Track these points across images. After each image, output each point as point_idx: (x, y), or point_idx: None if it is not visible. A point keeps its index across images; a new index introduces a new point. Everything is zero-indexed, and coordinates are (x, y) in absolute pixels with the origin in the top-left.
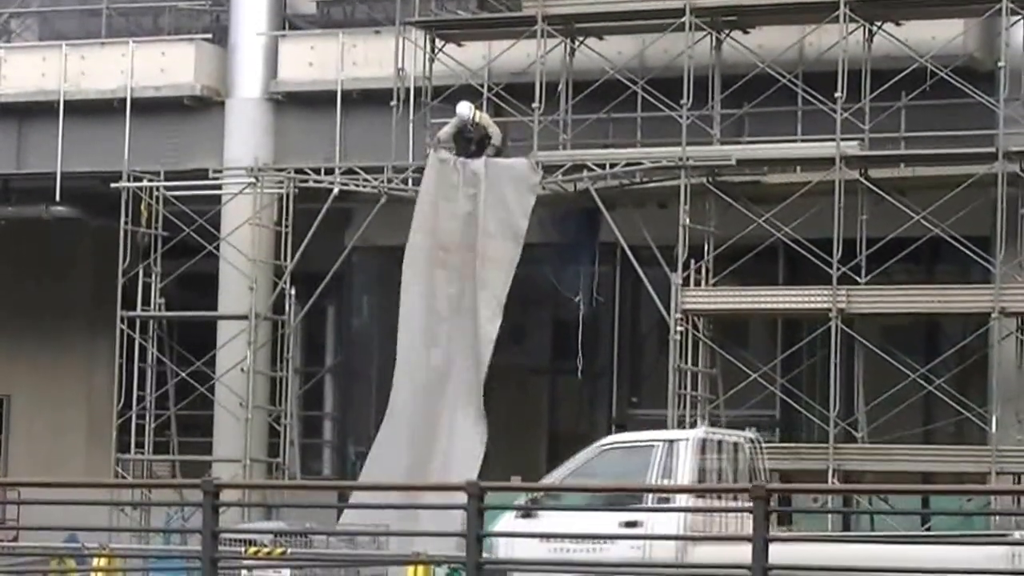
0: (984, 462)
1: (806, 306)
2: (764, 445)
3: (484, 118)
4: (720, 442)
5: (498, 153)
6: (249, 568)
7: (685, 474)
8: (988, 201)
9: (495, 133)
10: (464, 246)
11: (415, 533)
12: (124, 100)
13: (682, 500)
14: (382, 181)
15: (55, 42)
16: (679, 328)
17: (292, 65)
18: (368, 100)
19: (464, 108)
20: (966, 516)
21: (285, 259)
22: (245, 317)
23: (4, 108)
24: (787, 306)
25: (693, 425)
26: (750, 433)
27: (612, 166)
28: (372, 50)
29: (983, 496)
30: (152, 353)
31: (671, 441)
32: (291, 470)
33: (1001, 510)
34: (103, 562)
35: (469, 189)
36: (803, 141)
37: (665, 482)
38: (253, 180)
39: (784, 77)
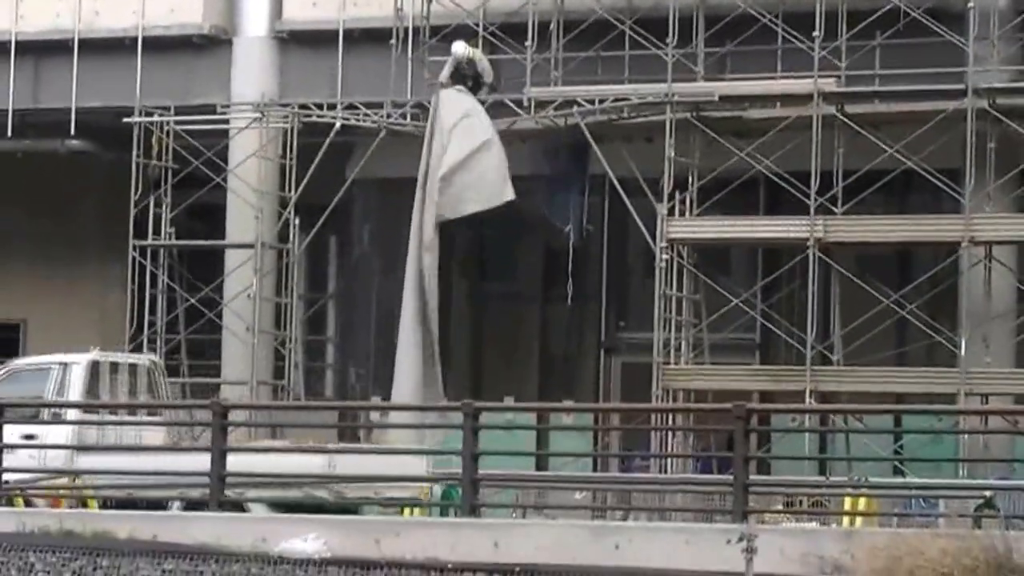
0: (954, 383)
1: (785, 235)
2: (163, 368)
3: (478, 55)
4: (116, 364)
5: (492, 91)
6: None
7: (76, 392)
8: (958, 135)
9: (487, 70)
10: None
11: (413, 451)
12: (136, 39)
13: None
14: (382, 116)
15: None
16: (664, 256)
17: (296, 5)
18: (368, 39)
19: (459, 47)
20: (936, 435)
21: (289, 190)
22: (251, 246)
23: (21, 46)
24: (767, 235)
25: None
26: (150, 356)
27: (601, 102)
28: None
29: (952, 416)
30: (163, 280)
31: (65, 364)
32: (295, 391)
33: (969, 429)
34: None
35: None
36: (783, 78)
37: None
38: (259, 115)
39: (764, 17)
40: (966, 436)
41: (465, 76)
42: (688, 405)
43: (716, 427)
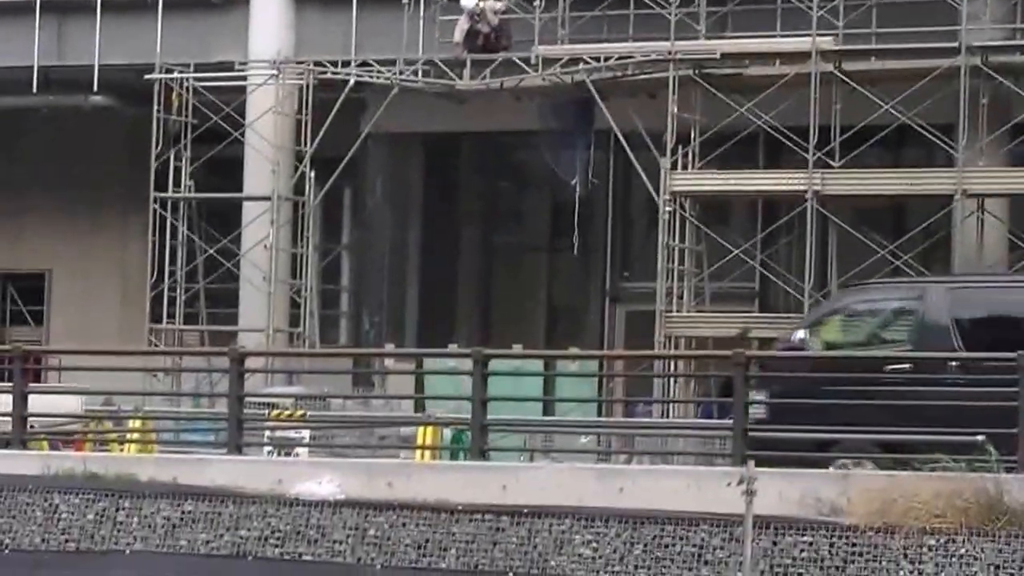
0: None
1: (784, 188)
2: None
3: (487, 7)
4: None
5: (507, 45)
6: (272, 429)
7: None
8: (952, 92)
9: (501, 25)
10: None
11: (424, 397)
12: None
13: None
14: (394, 73)
15: None
16: (667, 208)
17: None
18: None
19: (468, 1)
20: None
21: (305, 145)
22: (268, 198)
23: (45, 5)
24: (767, 188)
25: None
26: None
27: (606, 59)
28: None
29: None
30: (182, 231)
31: None
32: (311, 339)
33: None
34: (137, 423)
35: None
36: (782, 36)
37: None
38: (275, 72)
39: None
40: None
41: (478, 32)
42: (689, 352)
43: (716, 373)
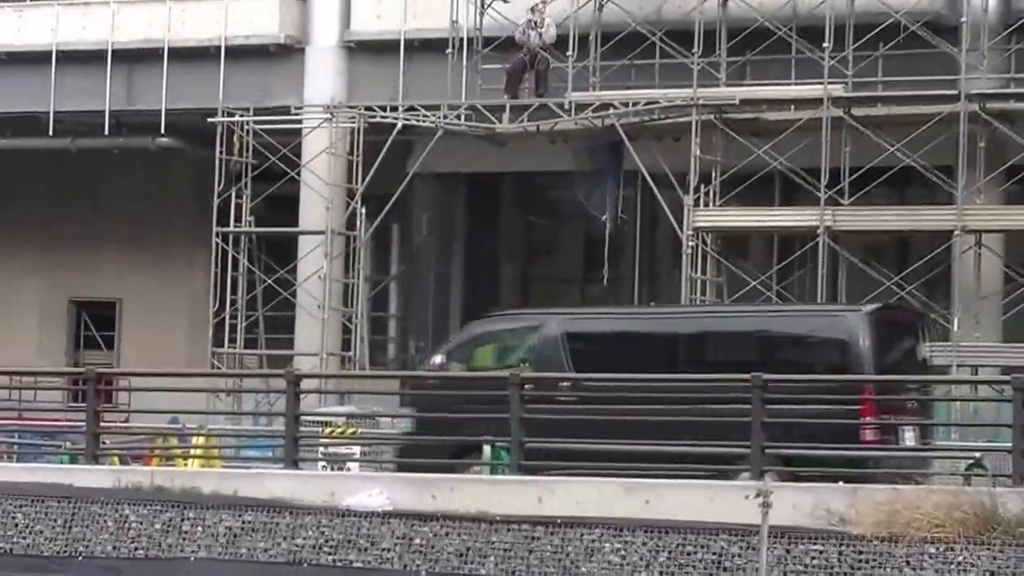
0: (947, 356)
1: (798, 224)
2: None
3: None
4: None
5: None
6: (325, 446)
7: None
8: (952, 136)
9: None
10: None
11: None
12: (219, 47)
13: None
14: (439, 117)
15: None
16: (690, 243)
17: (362, 17)
18: (427, 48)
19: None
20: (932, 400)
21: (356, 183)
22: (322, 232)
23: (117, 54)
24: (782, 224)
25: None
26: None
27: (634, 105)
28: (431, 4)
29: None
30: (243, 263)
31: None
32: (361, 362)
33: (960, 396)
34: (201, 440)
35: None
36: (796, 84)
37: None
38: (329, 116)
39: (780, 30)
40: (958, 403)
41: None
42: (709, 375)
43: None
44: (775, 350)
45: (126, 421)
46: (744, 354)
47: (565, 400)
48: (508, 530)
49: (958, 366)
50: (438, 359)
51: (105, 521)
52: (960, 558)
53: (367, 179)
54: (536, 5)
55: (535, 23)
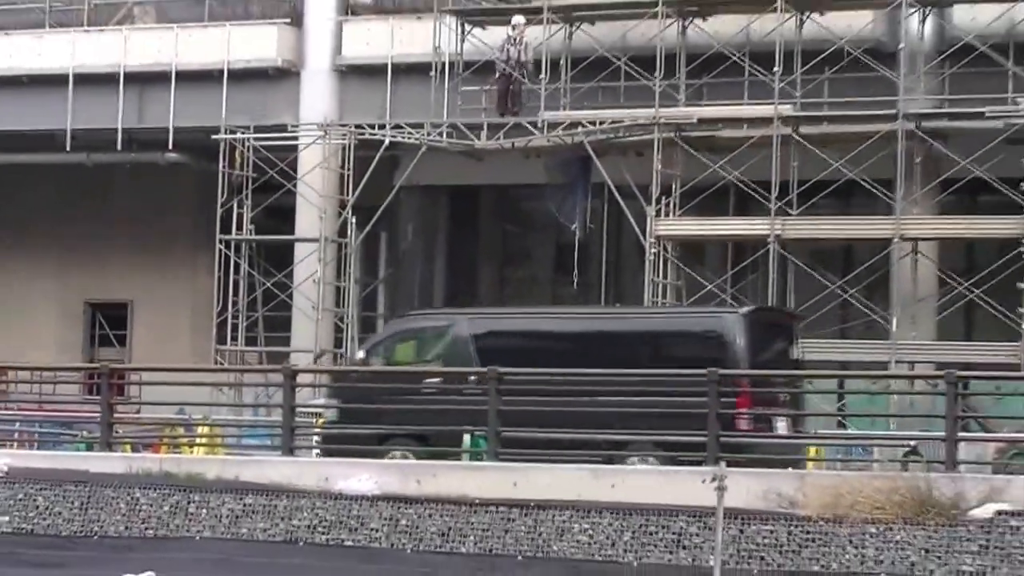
0: (887, 353)
1: (750, 232)
2: None
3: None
4: None
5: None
6: (319, 435)
7: None
8: (891, 152)
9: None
10: None
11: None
12: (222, 71)
13: None
14: (423, 134)
15: (168, 25)
16: (653, 250)
17: (352, 44)
18: (412, 71)
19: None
20: (872, 395)
21: (347, 194)
22: (316, 240)
23: (128, 76)
24: (736, 232)
25: None
26: None
27: (601, 123)
28: (415, 32)
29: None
30: (244, 268)
31: None
32: (352, 358)
33: (898, 390)
34: (205, 430)
35: None
36: (749, 104)
37: None
38: (322, 134)
39: (734, 55)
40: (895, 396)
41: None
42: (673, 371)
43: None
44: (661, 347)
45: (137, 412)
46: (635, 350)
47: (471, 392)
48: (486, 512)
49: (896, 362)
50: (361, 354)
51: (118, 503)
52: (898, 537)
53: (357, 191)
54: (515, 24)
55: (515, 40)
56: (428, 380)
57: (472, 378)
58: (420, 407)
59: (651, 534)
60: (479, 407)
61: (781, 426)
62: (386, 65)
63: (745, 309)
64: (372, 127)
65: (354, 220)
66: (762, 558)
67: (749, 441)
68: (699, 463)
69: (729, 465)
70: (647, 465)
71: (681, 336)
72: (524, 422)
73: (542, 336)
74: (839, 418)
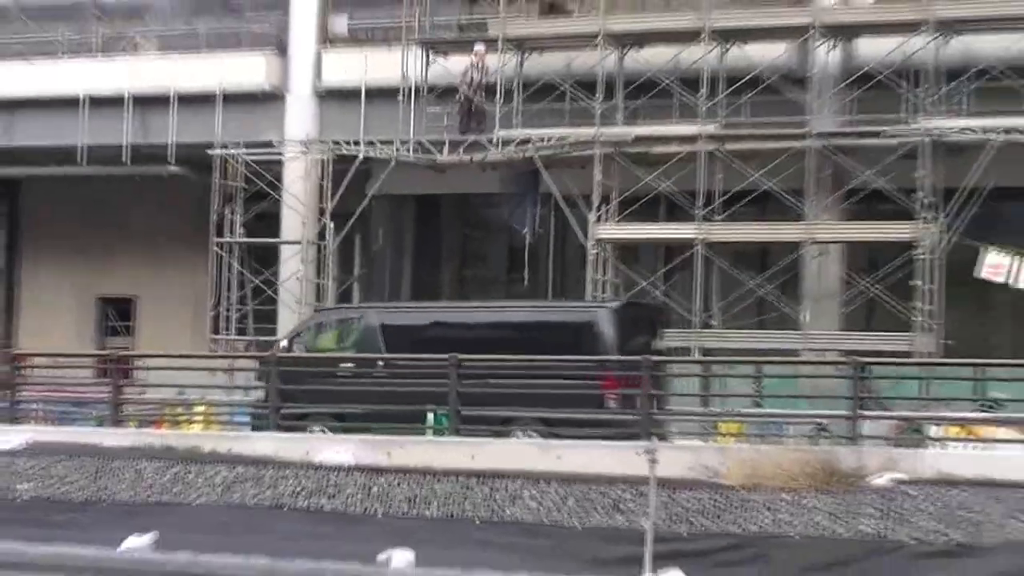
0: (798, 342)
1: (679, 236)
2: None
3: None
4: None
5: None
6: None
7: None
8: (802, 165)
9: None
10: None
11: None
12: (216, 94)
13: None
14: (393, 150)
15: (169, 54)
16: (593, 251)
17: (331, 71)
18: (383, 95)
19: (479, 47)
20: (785, 378)
21: (326, 203)
22: (299, 242)
23: (134, 99)
24: (666, 236)
25: None
26: None
27: (549, 140)
28: (385, 60)
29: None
30: (235, 267)
31: None
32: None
33: (808, 374)
34: (201, 409)
35: None
36: (678, 123)
37: None
38: (304, 149)
39: (666, 80)
40: (807, 379)
41: (467, 99)
42: (613, 357)
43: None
44: (542, 336)
45: (142, 393)
46: (519, 338)
47: (379, 376)
48: (448, 481)
49: (806, 350)
50: (283, 343)
51: (125, 473)
52: (808, 503)
53: (335, 199)
54: (477, 51)
55: (477, 65)
56: (343, 364)
57: (380, 363)
58: (339, 388)
59: (592, 500)
60: (386, 389)
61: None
62: (360, 89)
63: (615, 304)
64: (348, 143)
65: (332, 225)
66: (690, 522)
67: (619, 417)
68: (582, 438)
69: (598, 438)
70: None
71: (559, 326)
72: (476, 401)
73: (440, 326)
74: (757, 399)
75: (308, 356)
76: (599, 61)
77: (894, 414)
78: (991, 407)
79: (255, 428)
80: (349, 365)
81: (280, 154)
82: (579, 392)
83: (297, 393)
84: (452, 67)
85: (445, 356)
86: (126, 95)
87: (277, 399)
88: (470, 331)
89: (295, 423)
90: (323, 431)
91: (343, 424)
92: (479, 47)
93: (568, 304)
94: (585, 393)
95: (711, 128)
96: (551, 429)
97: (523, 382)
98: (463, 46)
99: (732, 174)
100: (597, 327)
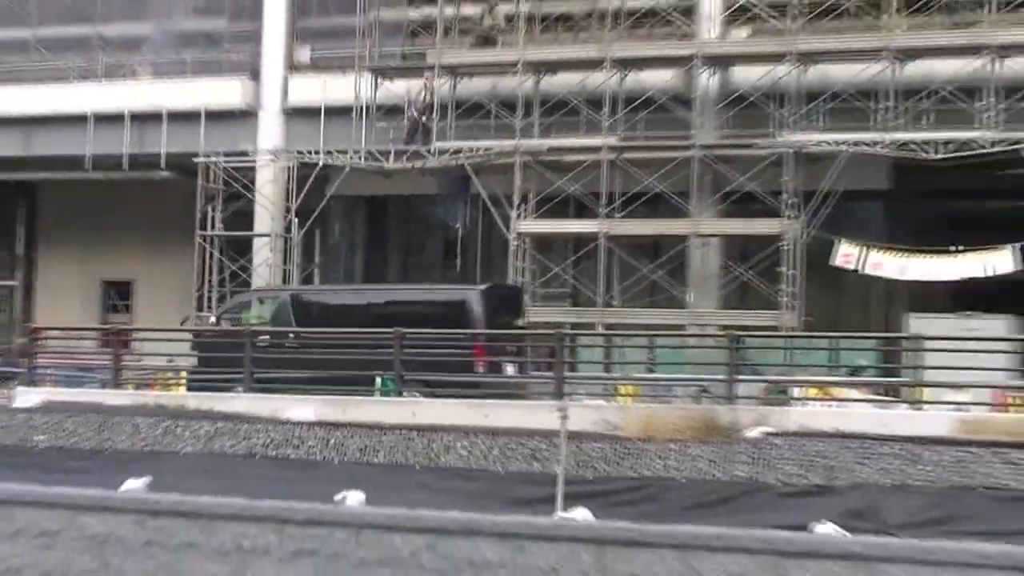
0: (684, 319)
1: (586, 230)
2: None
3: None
4: None
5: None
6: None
7: None
8: (689, 171)
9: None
10: None
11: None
12: (200, 111)
13: None
14: (347, 158)
15: (161, 78)
16: (514, 243)
17: (296, 92)
18: (339, 112)
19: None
20: (674, 348)
21: (291, 202)
22: (268, 235)
23: (133, 116)
24: (575, 231)
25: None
26: None
27: (478, 151)
28: (341, 84)
29: (683, 337)
30: (216, 256)
31: None
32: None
33: (692, 345)
34: (184, 374)
35: None
36: (585, 137)
37: None
38: (273, 158)
39: (575, 100)
40: (692, 349)
41: (415, 118)
42: (530, 330)
43: (546, 344)
44: (427, 313)
45: (138, 361)
46: (406, 314)
47: (291, 346)
48: (393, 433)
49: (691, 325)
50: (213, 319)
51: (124, 427)
52: (692, 452)
53: (299, 199)
54: (426, 80)
55: (427, 89)
56: (261, 336)
57: (291, 336)
58: (263, 356)
59: (513, 450)
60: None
61: (510, 370)
62: (320, 108)
63: (483, 286)
64: (310, 152)
65: (296, 221)
66: (594, 468)
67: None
68: (461, 396)
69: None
70: (511, 400)
71: (438, 304)
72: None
73: (344, 305)
74: (650, 366)
75: (228, 329)
76: (519, 84)
77: (763, 378)
78: (856, 371)
79: (189, 390)
80: (265, 337)
81: (254, 162)
82: (455, 359)
83: (220, 360)
84: (396, 90)
85: (389, 330)
86: (125, 113)
87: (251, 366)
88: (368, 309)
89: (224, 385)
90: (243, 391)
91: (263, 385)
92: (429, 75)
93: (445, 287)
94: (460, 359)
95: (612, 140)
96: (431, 389)
97: (418, 351)
98: (406, 72)
99: (629, 179)
100: (468, 305)
